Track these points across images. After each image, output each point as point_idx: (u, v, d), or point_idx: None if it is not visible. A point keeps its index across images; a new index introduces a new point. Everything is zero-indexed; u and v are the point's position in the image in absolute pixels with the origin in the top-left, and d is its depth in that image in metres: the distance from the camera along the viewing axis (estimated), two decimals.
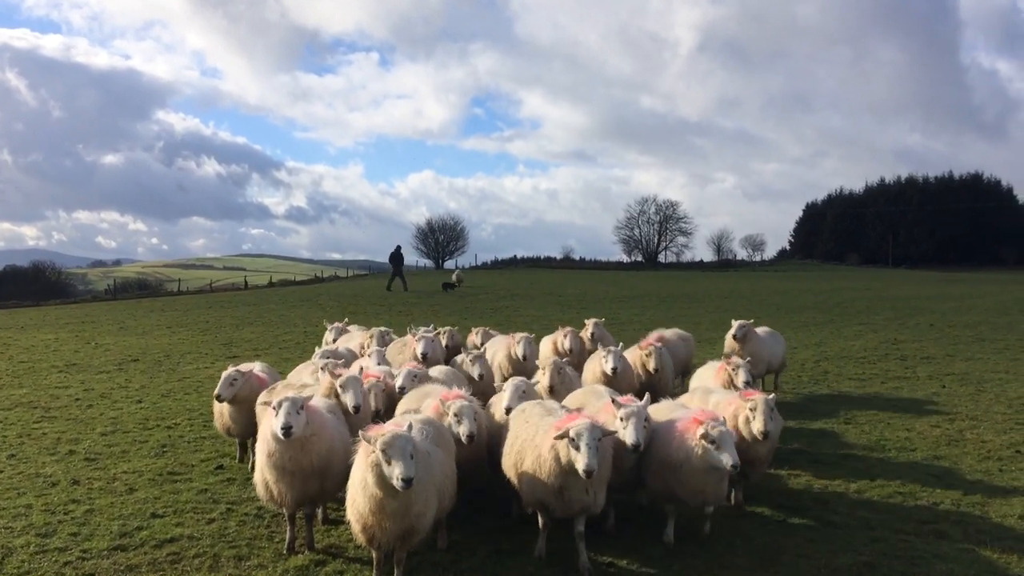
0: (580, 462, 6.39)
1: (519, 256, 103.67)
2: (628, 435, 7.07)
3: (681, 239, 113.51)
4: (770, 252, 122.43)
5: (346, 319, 15.05)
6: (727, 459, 6.86)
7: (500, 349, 12.58)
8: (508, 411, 7.94)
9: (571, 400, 8.67)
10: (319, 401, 7.79)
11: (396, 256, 44.84)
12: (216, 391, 9.54)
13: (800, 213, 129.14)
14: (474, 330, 15.26)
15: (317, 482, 7.09)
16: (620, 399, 7.62)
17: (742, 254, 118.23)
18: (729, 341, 14.47)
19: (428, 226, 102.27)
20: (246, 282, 63.01)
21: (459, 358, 11.48)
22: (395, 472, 5.73)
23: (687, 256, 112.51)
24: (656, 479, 7.46)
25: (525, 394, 8.16)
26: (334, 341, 14.52)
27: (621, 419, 7.18)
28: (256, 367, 10.41)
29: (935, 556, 7.33)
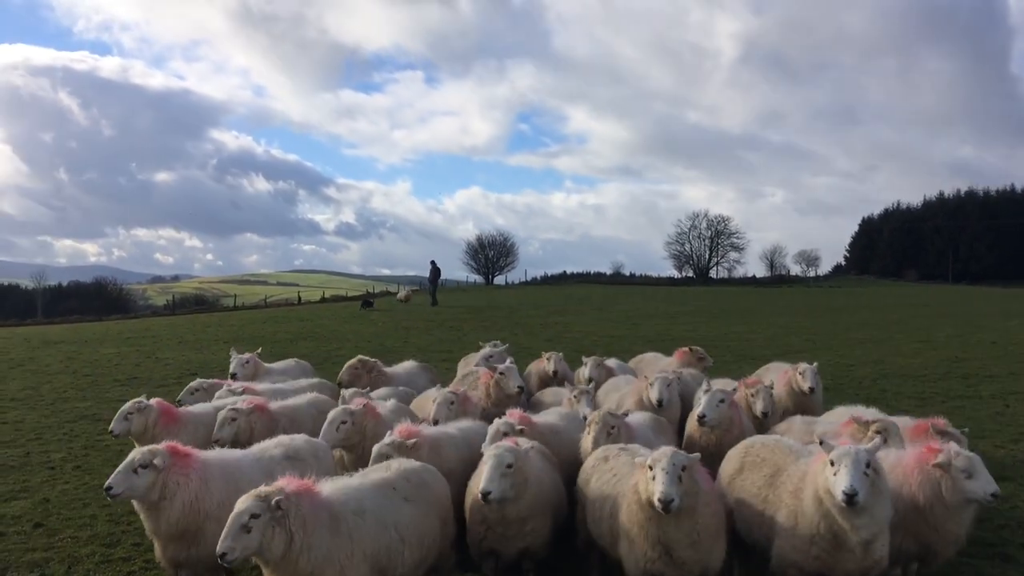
0: (656, 491, 5.40)
1: (569, 272, 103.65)
2: (839, 481, 5.34)
3: (733, 254, 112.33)
4: (824, 268, 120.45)
5: (259, 349, 13.14)
6: (982, 486, 5.84)
7: (630, 394, 9.86)
8: (487, 497, 5.99)
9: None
10: (222, 453, 6.87)
11: (434, 270, 45.89)
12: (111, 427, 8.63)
13: (854, 228, 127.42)
14: (545, 355, 12.39)
15: (183, 547, 6.20)
16: (831, 438, 6.12)
17: (796, 270, 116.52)
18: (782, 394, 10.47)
19: (478, 242, 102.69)
20: (299, 297, 64.06)
21: (563, 391, 9.96)
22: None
23: (739, 272, 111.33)
24: (897, 535, 6.10)
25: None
26: (233, 376, 12.00)
27: (832, 462, 5.48)
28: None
29: None
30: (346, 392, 9.88)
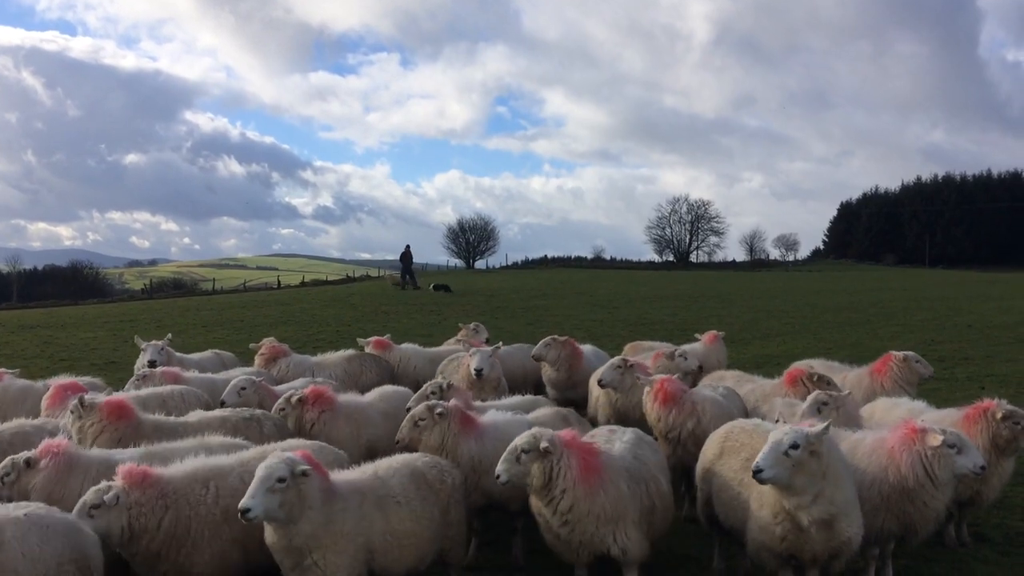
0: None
1: (550, 256, 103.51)
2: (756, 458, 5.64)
3: (713, 239, 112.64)
4: (803, 252, 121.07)
5: (168, 335, 12.37)
6: (972, 460, 6.03)
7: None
8: (244, 515, 5.22)
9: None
10: None
11: (406, 255, 45.91)
12: None
13: (832, 212, 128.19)
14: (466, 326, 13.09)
15: None
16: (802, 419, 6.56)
17: (775, 254, 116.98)
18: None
19: (459, 226, 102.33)
20: (279, 282, 63.70)
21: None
22: None
23: (719, 256, 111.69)
24: (879, 516, 6.27)
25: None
26: (152, 363, 10.93)
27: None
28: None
29: (976, 559, 7.25)
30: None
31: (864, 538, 6.17)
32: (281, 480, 5.24)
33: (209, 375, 10.49)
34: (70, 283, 77.90)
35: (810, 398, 7.60)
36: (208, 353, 13.11)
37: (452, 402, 7.24)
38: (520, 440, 5.99)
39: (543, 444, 5.89)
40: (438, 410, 6.96)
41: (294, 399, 8.03)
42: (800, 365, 9.90)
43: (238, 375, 9.75)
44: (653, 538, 6.42)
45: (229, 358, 12.97)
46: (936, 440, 6.03)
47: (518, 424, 7.36)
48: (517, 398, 9.05)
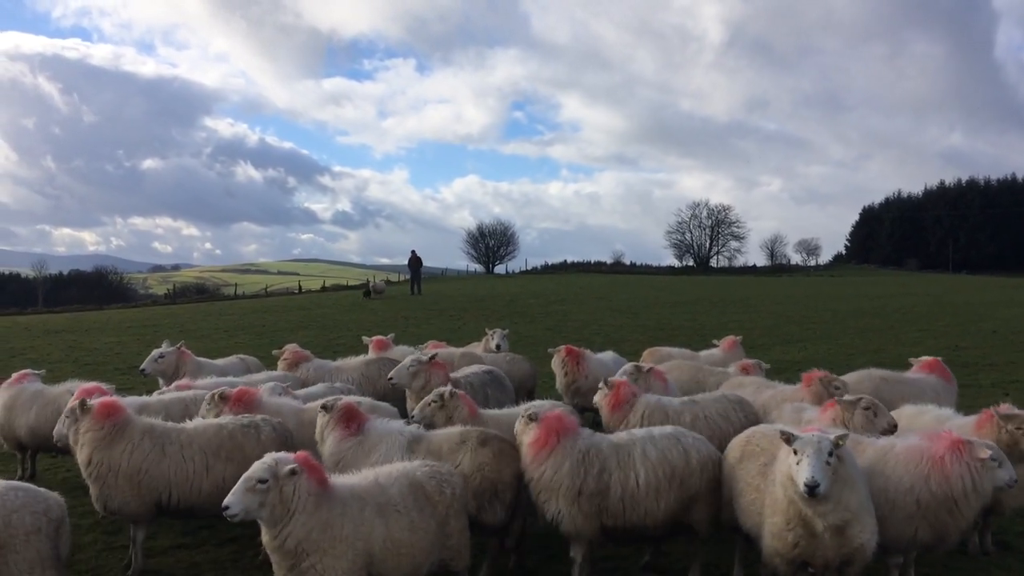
0: None
1: (569, 261, 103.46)
2: (801, 472, 5.45)
3: (734, 243, 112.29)
4: (825, 257, 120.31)
5: (182, 343, 12.57)
6: (1009, 473, 6.01)
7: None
8: (224, 511, 5.33)
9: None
10: None
11: (415, 260, 46.11)
12: None
13: (852, 216, 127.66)
14: (489, 332, 13.78)
15: None
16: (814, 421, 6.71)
17: (796, 259, 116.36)
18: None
19: (479, 231, 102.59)
20: (300, 287, 64.08)
21: None
22: None
23: (740, 261, 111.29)
24: (913, 524, 6.16)
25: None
26: (142, 372, 11.91)
27: (795, 451, 5.60)
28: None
29: (999, 567, 7.19)
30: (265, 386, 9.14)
31: (894, 546, 6.17)
32: (262, 481, 5.27)
33: (231, 379, 10.54)
34: (95, 288, 78.99)
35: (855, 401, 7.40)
36: (233, 358, 13.11)
37: (342, 400, 7.38)
38: (523, 407, 7.37)
39: (529, 412, 6.92)
40: (324, 403, 7.27)
41: (217, 396, 8.09)
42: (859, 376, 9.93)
43: (262, 379, 9.83)
44: (616, 523, 6.63)
45: (254, 363, 12.98)
46: (984, 454, 5.98)
47: (395, 434, 7.05)
48: (536, 404, 8.94)
